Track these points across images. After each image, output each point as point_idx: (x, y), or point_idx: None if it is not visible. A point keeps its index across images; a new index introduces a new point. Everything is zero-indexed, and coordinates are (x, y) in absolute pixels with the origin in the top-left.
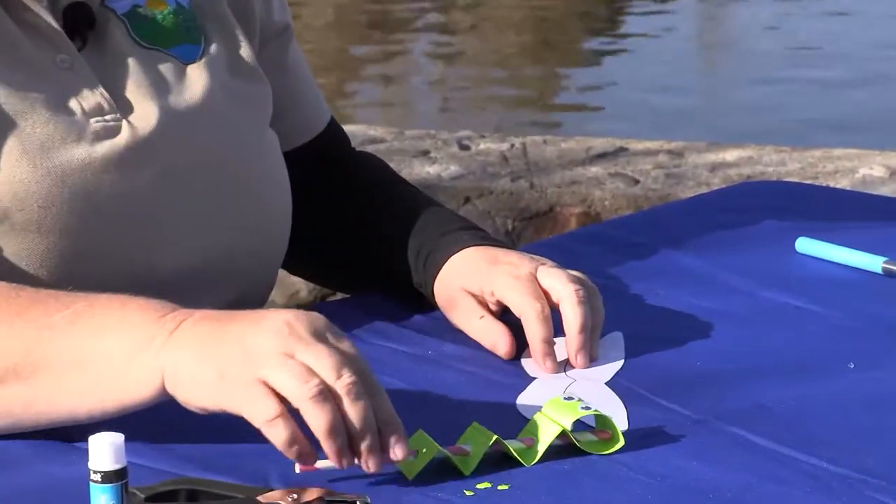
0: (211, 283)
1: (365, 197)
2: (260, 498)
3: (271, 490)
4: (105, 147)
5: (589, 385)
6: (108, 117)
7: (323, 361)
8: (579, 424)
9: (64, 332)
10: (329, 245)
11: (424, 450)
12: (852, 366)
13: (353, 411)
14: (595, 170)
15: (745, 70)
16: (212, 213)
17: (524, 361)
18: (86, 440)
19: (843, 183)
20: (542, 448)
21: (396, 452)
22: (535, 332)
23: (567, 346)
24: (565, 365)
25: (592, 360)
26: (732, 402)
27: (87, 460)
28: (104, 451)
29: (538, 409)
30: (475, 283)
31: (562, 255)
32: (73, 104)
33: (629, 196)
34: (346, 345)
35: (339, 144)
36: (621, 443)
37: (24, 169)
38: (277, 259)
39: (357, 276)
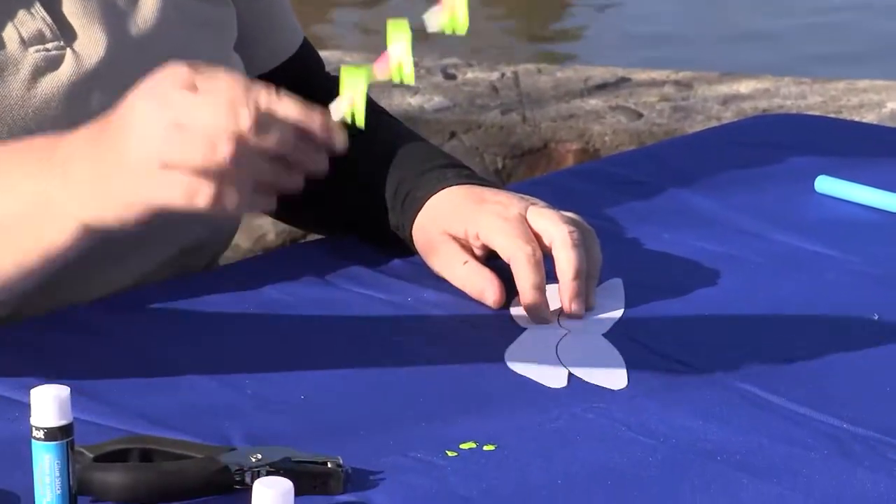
0: (166, 230)
1: None
2: (221, 458)
3: (233, 449)
4: (46, 81)
5: (584, 337)
6: (49, 45)
7: (206, 112)
8: None
9: None
10: None
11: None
12: (876, 317)
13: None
14: (594, 102)
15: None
16: None
17: (513, 311)
18: (28, 394)
19: (868, 118)
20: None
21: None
22: (525, 278)
23: (560, 293)
24: (559, 315)
25: (588, 309)
26: (742, 356)
27: (29, 416)
28: (47, 405)
29: (529, 362)
30: (459, 226)
31: (555, 193)
32: (8, 31)
33: (631, 131)
34: (218, 78)
35: (311, 69)
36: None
37: None
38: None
39: (329, 216)
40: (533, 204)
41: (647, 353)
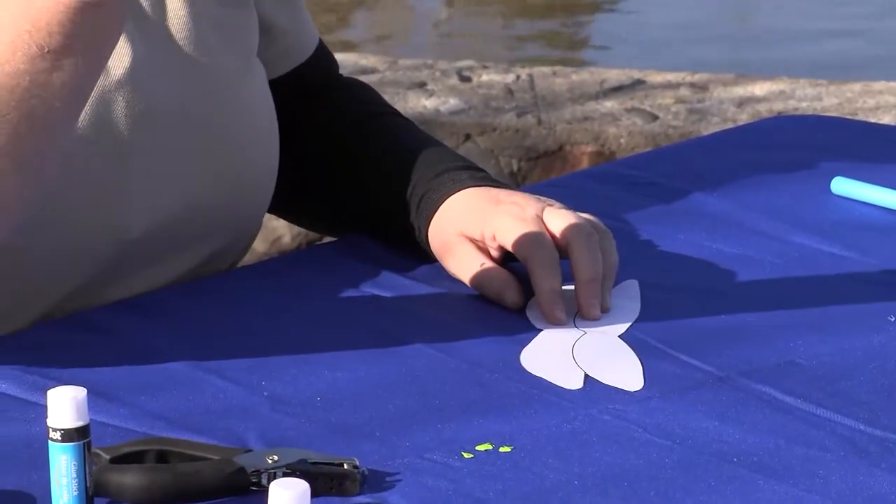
0: (186, 241)
1: (353, 130)
2: (237, 460)
3: (249, 451)
4: None
5: (601, 338)
6: None
7: None
8: None
9: None
10: (313, 184)
11: None
12: (893, 318)
13: None
14: (609, 104)
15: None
16: (188, 161)
17: (529, 312)
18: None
19: (885, 119)
20: None
21: None
22: (541, 279)
23: (577, 295)
24: (575, 316)
25: (604, 311)
26: (759, 357)
27: (46, 417)
28: (64, 406)
29: (545, 364)
30: (475, 227)
31: (571, 195)
32: None
33: (647, 133)
34: None
35: (326, 72)
36: None
37: None
38: (262, 209)
39: (344, 218)
40: (549, 205)
41: (663, 354)
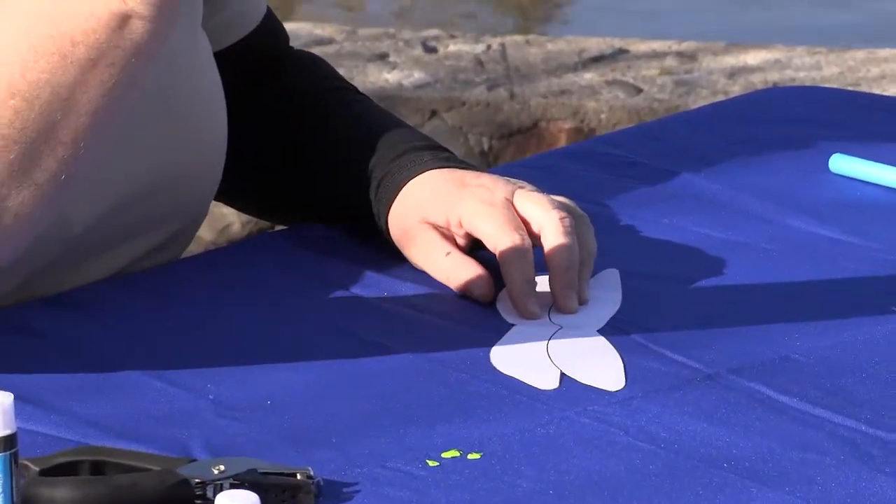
0: (131, 229)
1: (304, 109)
2: (180, 470)
3: (193, 461)
4: None
5: (578, 334)
6: None
7: None
8: None
9: None
10: (261, 168)
11: None
12: None
13: None
14: (589, 76)
15: None
16: (132, 141)
17: (500, 306)
18: None
19: (891, 91)
20: None
21: None
22: (512, 269)
23: (551, 286)
24: (550, 310)
25: (582, 302)
26: (751, 352)
27: None
28: None
29: (517, 362)
30: (439, 213)
31: (545, 176)
32: None
33: (630, 108)
34: None
35: (275, 44)
36: None
37: None
38: (210, 191)
39: (296, 205)
40: (520, 188)
41: (647, 350)
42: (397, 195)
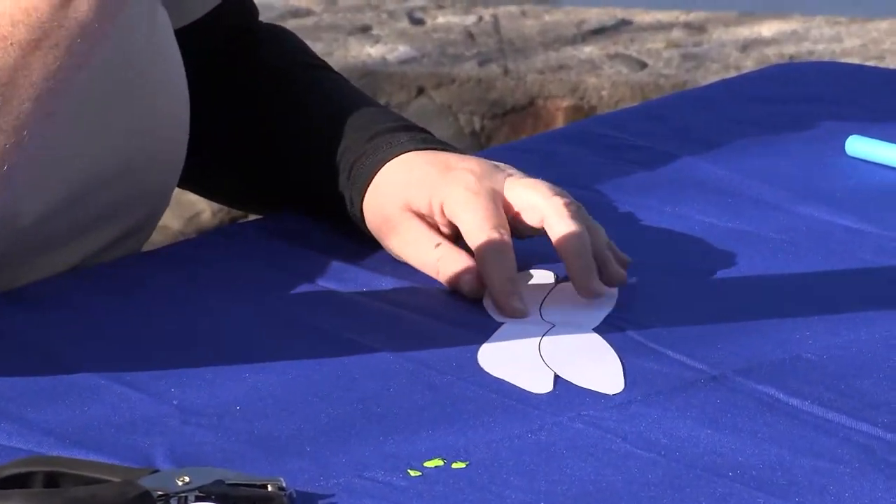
0: (88, 220)
1: (272, 89)
2: (141, 482)
3: (156, 471)
4: None
5: (572, 332)
6: None
7: None
8: None
9: None
10: (228, 152)
11: None
12: None
13: None
14: (589, 50)
15: None
16: (90, 124)
17: (487, 302)
18: None
19: None
20: None
21: None
22: (490, 268)
23: (569, 274)
24: (541, 307)
25: (601, 294)
26: (759, 352)
27: None
28: None
29: (507, 363)
30: (422, 198)
31: (538, 161)
32: None
33: (634, 84)
34: None
35: (242, 20)
36: None
37: None
38: (173, 180)
39: (267, 193)
40: (510, 175)
41: (646, 350)
42: (372, 179)
